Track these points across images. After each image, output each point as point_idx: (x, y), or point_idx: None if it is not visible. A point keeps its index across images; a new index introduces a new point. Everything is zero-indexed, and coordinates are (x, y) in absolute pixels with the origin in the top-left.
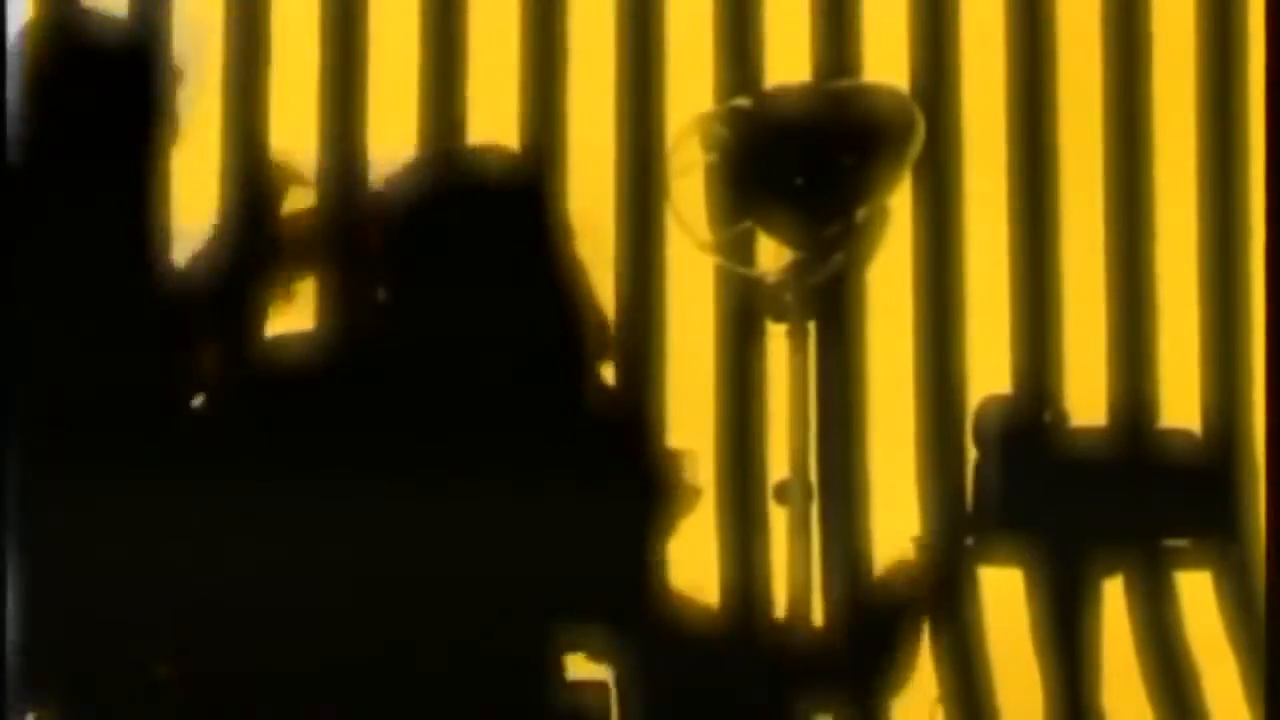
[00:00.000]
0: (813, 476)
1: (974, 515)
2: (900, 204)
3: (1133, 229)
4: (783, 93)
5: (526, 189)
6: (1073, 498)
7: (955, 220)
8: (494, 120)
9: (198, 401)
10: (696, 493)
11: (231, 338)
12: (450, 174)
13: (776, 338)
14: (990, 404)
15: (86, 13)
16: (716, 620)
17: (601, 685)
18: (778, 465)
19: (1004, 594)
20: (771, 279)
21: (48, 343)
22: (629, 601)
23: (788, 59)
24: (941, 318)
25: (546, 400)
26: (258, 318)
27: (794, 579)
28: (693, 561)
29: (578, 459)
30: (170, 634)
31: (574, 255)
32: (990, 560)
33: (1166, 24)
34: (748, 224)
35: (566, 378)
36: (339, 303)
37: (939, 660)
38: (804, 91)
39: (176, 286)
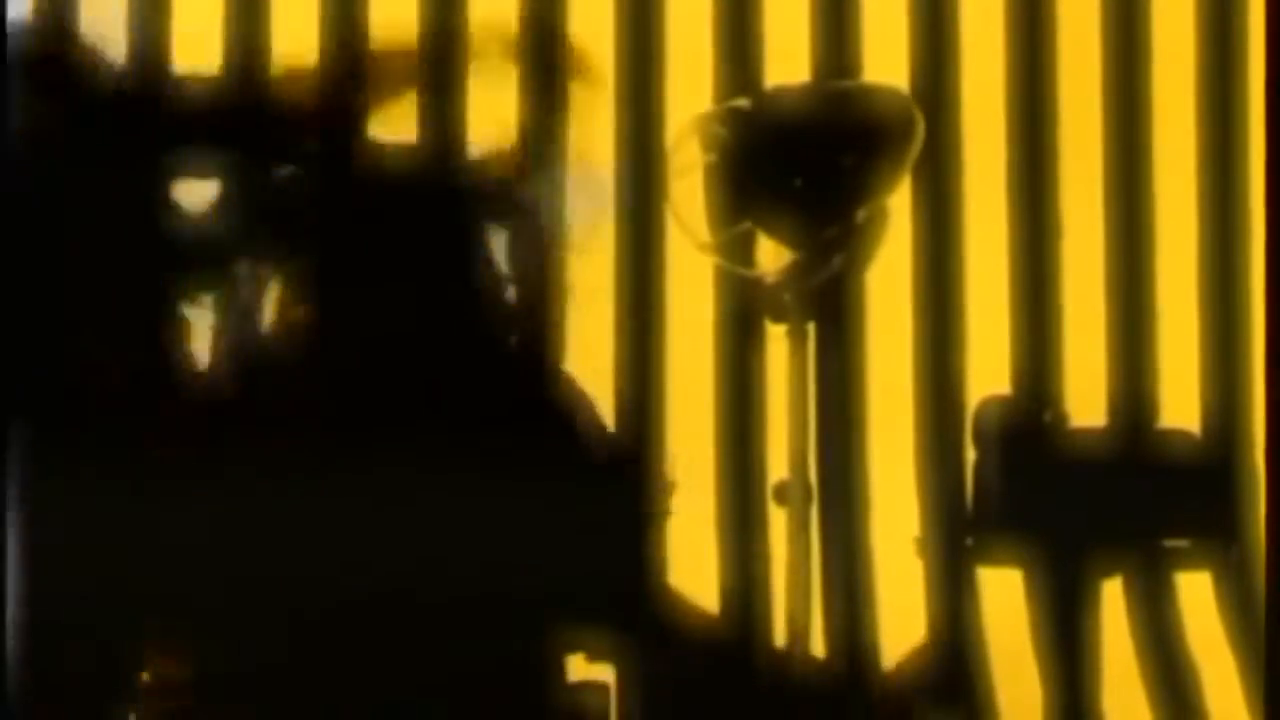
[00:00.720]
0: (813, 477)
1: (974, 515)
2: (900, 204)
3: (1133, 229)
4: (783, 93)
5: (508, 192)
6: (1073, 498)
7: (955, 220)
8: (494, 120)
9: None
10: (674, 487)
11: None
12: (440, 173)
13: (776, 338)
14: (990, 404)
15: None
16: (715, 621)
17: (601, 686)
18: (777, 466)
19: (1004, 594)
20: (771, 279)
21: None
22: (627, 601)
23: (788, 59)
24: (941, 318)
25: (540, 402)
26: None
27: (794, 579)
28: (692, 562)
29: (570, 460)
30: (162, 635)
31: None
32: (990, 560)
33: (1166, 24)
34: (747, 224)
35: (558, 380)
36: (324, 305)
37: (939, 660)
38: (804, 91)
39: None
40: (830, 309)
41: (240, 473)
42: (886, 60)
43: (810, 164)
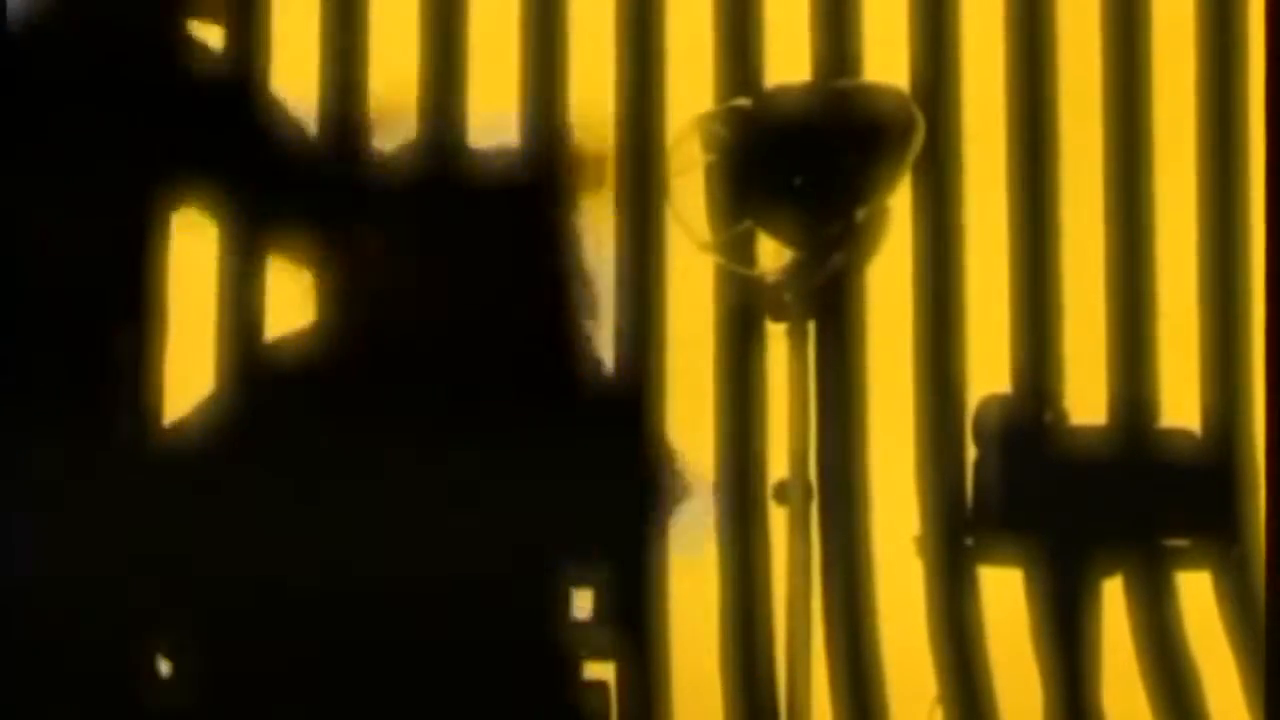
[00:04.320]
0: (813, 476)
1: (974, 515)
2: (900, 204)
3: (1133, 229)
4: (783, 93)
5: (532, 186)
6: (1073, 498)
7: (955, 220)
8: (493, 120)
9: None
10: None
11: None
12: (458, 168)
13: (776, 338)
14: (990, 404)
15: None
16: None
17: (601, 685)
18: (778, 465)
19: (1004, 594)
20: (772, 278)
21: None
22: (628, 597)
23: (788, 59)
24: (941, 318)
25: (549, 396)
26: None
27: (794, 579)
28: (692, 562)
29: (577, 455)
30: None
31: (574, 255)
32: (990, 560)
33: (1166, 24)
34: (748, 224)
35: (567, 374)
36: (342, 296)
37: (939, 660)
38: (804, 91)
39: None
40: (831, 308)
41: (246, 458)
42: (886, 60)
43: (810, 164)
